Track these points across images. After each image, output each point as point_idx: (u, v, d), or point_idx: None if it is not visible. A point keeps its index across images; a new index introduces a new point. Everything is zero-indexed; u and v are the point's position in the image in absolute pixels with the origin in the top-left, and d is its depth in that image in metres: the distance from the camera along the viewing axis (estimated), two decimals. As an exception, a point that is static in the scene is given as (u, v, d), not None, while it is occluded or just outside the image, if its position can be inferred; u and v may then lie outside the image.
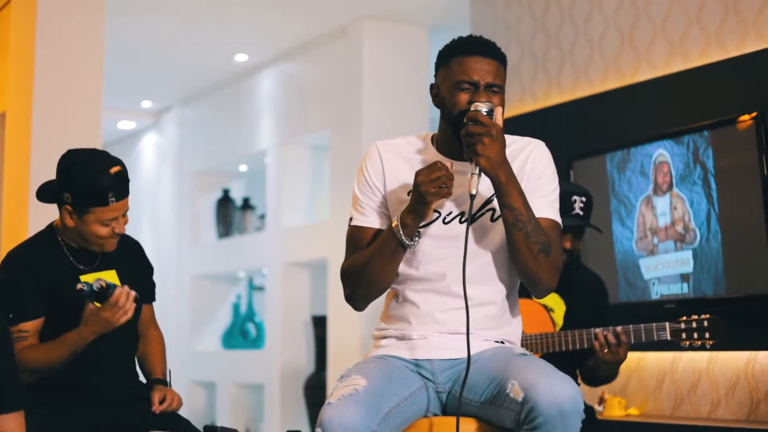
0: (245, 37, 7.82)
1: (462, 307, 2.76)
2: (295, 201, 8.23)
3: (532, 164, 2.86)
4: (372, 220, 2.91)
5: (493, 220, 2.82)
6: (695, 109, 5.21)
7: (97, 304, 3.23)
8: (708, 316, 3.72)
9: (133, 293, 3.28)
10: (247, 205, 9.20)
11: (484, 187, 2.76)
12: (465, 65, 2.80)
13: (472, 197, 2.69)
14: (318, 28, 7.61)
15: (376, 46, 7.37)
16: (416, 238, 2.76)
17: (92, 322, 3.24)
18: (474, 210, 2.81)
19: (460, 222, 2.82)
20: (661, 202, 5.24)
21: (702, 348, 3.74)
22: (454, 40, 2.88)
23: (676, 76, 5.37)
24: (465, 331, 2.78)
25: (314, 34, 7.73)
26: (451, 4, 7.04)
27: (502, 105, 2.81)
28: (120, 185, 3.36)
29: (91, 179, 3.33)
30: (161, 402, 3.43)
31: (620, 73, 5.75)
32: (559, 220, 2.86)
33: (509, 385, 2.57)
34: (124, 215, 3.42)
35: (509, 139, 2.89)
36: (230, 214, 9.27)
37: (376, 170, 2.92)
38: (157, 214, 10.17)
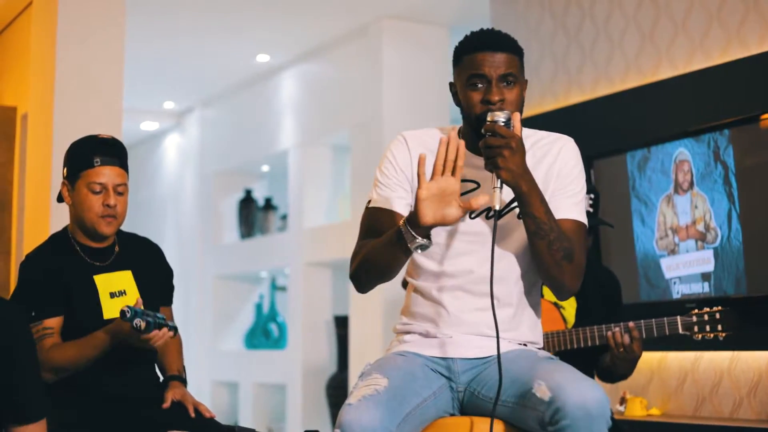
0: (266, 37, 7.83)
1: (488, 307, 2.73)
2: (316, 201, 8.24)
3: (561, 162, 2.82)
4: (391, 202, 2.84)
5: (519, 217, 2.77)
6: (716, 108, 5.17)
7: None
8: (720, 308, 3.69)
9: (170, 334, 3.28)
10: (269, 205, 9.22)
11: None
12: (475, 61, 2.75)
13: (496, 213, 2.64)
14: (338, 29, 7.62)
15: (396, 45, 7.37)
16: (425, 240, 2.63)
17: (120, 334, 3.25)
18: (501, 208, 2.74)
19: (486, 217, 2.78)
20: (682, 201, 5.21)
21: (715, 340, 3.71)
22: (466, 36, 2.84)
23: (697, 74, 5.34)
24: (491, 333, 2.76)
25: (334, 34, 7.74)
26: (470, 3, 7.03)
27: (521, 96, 2.77)
28: (107, 150, 3.42)
29: (80, 144, 3.47)
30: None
31: (641, 71, 5.72)
32: (584, 220, 2.81)
33: (536, 384, 2.52)
34: (120, 193, 3.43)
35: (537, 134, 2.88)
36: (252, 214, 9.29)
37: (404, 156, 2.86)
38: (180, 214, 10.20)
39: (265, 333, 9.10)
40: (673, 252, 5.26)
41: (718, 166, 5.04)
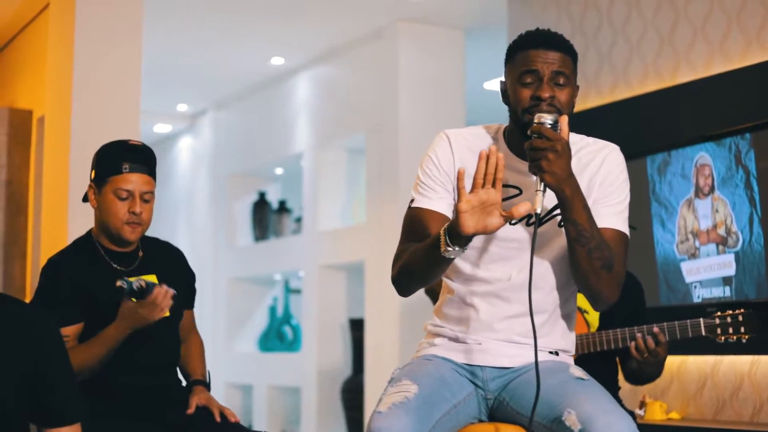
0: (281, 40, 7.83)
1: (519, 314, 2.73)
2: (331, 204, 8.24)
3: (606, 170, 2.78)
4: (434, 203, 2.79)
5: (560, 225, 2.74)
6: (737, 111, 5.16)
7: (133, 300, 3.25)
8: (742, 310, 3.69)
9: (171, 291, 3.28)
10: (283, 207, 9.21)
11: (551, 193, 2.66)
12: (528, 57, 2.70)
13: (537, 216, 2.60)
14: (353, 31, 7.61)
15: (412, 48, 7.36)
16: (465, 248, 2.60)
17: (128, 317, 3.24)
18: (542, 215, 2.72)
19: (527, 224, 2.74)
20: (703, 205, 5.20)
21: (736, 344, 3.69)
22: (521, 34, 2.80)
23: (717, 77, 5.32)
24: (521, 341, 2.76)
25: (350, 37, 7.73)
26: (487, 7, 7.02)
27: (572, 100, 2.72)
28: (137, 157, 3.39)
29: (109, 148, 3.44)
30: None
31: (660, 75, 5.71)
32: (626, 230, 2.77)
33: (566, 412, 2.51)
34: (146, 201, 3.42)
35: (584, 140, 2.83)
36: (266, 216, 9.29)
37: (446, 156, 2.81)
38: (193, 217, 10.20)
39: (279, 336, 9.10)
40: (693, 256, 5.24)
41: (739, 170, 5.02)
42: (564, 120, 2.62)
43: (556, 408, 2.55)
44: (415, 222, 2.80)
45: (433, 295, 4.87)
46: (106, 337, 3.27)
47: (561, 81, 2.69)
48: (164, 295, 3.25)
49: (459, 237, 2.53)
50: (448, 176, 2.80)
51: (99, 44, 5.64)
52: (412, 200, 2.83)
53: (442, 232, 2.57)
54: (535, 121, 2.61)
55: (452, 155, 2.81)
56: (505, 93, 2.80)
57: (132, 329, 3.27)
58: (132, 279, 3.23)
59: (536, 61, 2.69)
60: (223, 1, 6.98)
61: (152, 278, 3.48)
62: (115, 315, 3.33)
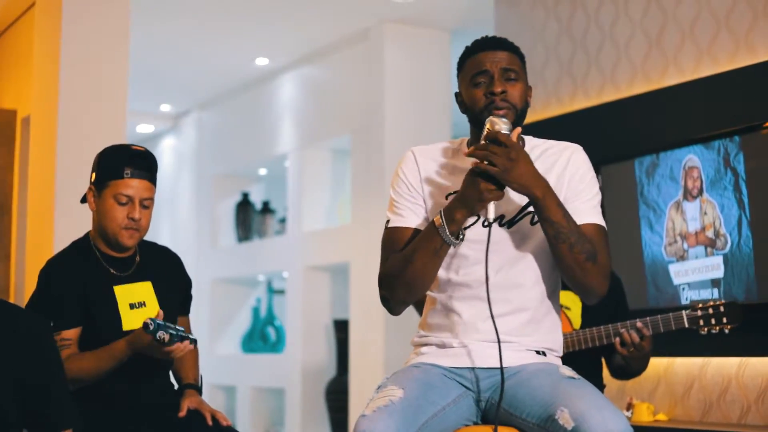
0: (266, 41, 7.81)
1: (504, 314, 2.75)
2: (315, 205, 8.23)
3: (573, 169, 2.83)
4: (409, 220, 2.87)
5: (532, 223, 2.79)
6: (725, 114, 5.17)
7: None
8: (723, 301, 3.76)
9: (191, 347, 3.26)
10: (266, 208, 9.20)
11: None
12: (477, 60, 2.82)
13: (489, 224, 2.69)
14: (339, 32, 7.61)
15: (398, 49, 7.36)
16: (461, 235, 2.71)
17: (139, 346, 3.21)
18: (514, 214, 2.80)
19: (500, 225, 2.79)
20: (691, 208, 5.21)
21: (725, 344, 3.72)
22: (467, 45, 2.91)
23: (705, 80, 5.33)
24: (507, 339, 2.78)
25: (335, 37, 7.72)
26: (473, 7, 7.02)
27: (525, 96, 2.82)
28: (139, 163, 3.40)
29: (112, 152, 3.44)
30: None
31: (647, 77, 5.72)
32: (602, 223, 2.82)
33: (558, 411, 2.54)
34: (146, 207, 3.41)
35: (546, 143, 2.89)
36: (250, 217, 9.28)
37: (413, 173, 2.89)
38: (176, 217, 10.17)
39: (262, 337, 9.08)
40: (681, 258, 5.25)
41: (728, 173, 5.04)
42: (517, 132, 2.70)
43: (549, 407, 2.58)
44: (394, 241, 2.87)
45: (420, 307, 4.89)
46: (116, 352, 3.25)
47: (512, 76, 2.80)
48: (180, 350, 3.24)
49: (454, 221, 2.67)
50: (417, 191, 2.89)
51: (85, 44, 5.61)
52: (388, 221, 2.92)
53: (438, 218, 2.70)
54: (488, 126, 2.68)
55: (417, 168, 2.91)
56: (462, 103, 2.89)
57: (136, 352, 3.26)
58: (160, 321, 3.16)
59: (485, 62, 2.80)
60: (207, 2, 6.96)
61: (147, 285, 3.47)
62: (110, 319, 3.35)
